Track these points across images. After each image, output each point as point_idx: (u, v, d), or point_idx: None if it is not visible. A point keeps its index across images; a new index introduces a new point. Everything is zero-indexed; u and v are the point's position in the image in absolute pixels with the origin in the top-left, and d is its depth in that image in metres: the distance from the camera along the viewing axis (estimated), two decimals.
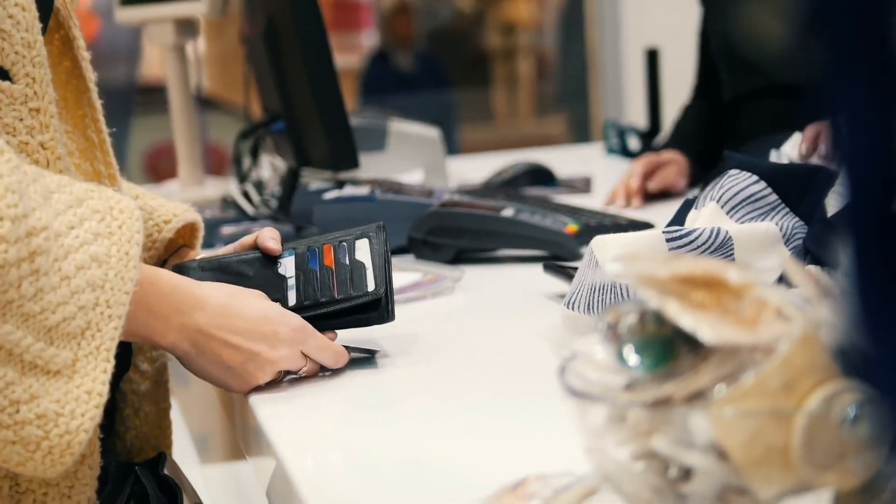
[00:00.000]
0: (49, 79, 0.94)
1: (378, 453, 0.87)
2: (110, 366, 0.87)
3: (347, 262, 1.07)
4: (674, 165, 1.96)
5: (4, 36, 0.90)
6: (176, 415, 1.21)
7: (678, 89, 2.39)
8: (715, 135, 2.09)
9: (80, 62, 1.02)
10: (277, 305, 1.03)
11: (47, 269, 0.85)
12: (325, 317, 1.06)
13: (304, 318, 1.03)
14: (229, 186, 2.00)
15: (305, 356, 1.02)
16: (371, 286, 1.06)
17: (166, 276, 0.98)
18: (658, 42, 2.68)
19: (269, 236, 1.11)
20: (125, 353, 1.05)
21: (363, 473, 0.84)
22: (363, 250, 1.09)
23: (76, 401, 0.86)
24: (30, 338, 0.85)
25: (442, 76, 5.70)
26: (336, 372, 1.06)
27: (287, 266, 1.09)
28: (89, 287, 0.88)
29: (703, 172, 1.93)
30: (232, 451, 1.73)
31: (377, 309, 1.07)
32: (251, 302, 1.01)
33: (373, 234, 1.10)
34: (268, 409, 0.98)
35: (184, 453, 1.43)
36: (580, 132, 4.35)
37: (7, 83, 0.91)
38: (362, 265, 1.08)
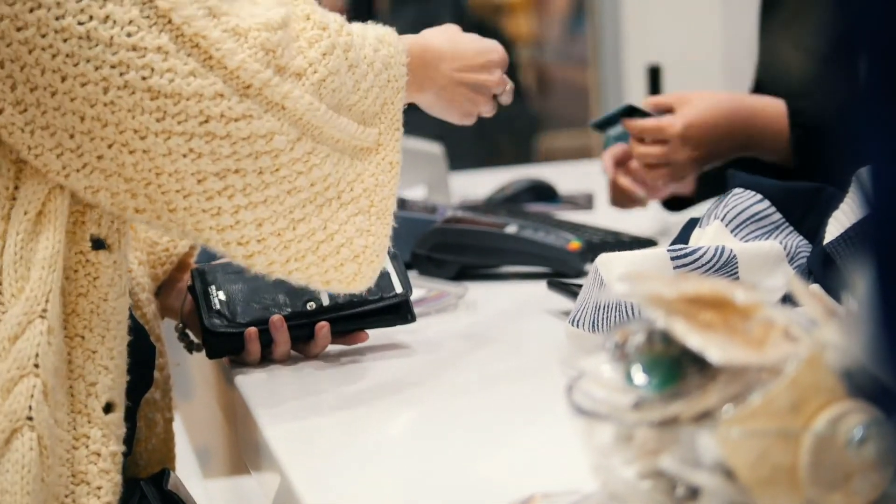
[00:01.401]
0: None
1: (383, 470, 0.88)
2: (400, 134, 1.03)
3: None
4: None
5: None
6: (178, 428, 1.21)
7: None
8: None
9: None
10: (475, 36, 1.15)
11: (357, 60, 0.98)
12: (355, 316, 1.14)
13: (337, 316, 1.12)
14: None
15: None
16: (399, 289, 1.16)
17: (411, 39, 1.08)
18: (660, 59, 2.68)
19: None
20: (148, 369, 1.07)
21: (368, 490, 0.84)
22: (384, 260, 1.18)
23: (384, 172, 1.01)
24: (354, 124, 0.98)
25: None
26: (339, 387, 1.06)
27: None
28: (384, 67, 1.01)
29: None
30: (235, 465, 1.73)
31: (402, 310, 1.16)
32: (464, 40, 1.13)
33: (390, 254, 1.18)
34: (271, 423, 0.98)
35: (186, 468, 1.43)
36: (582, 148, 4.35)
37: None
38: (386, 271, 1.16)
